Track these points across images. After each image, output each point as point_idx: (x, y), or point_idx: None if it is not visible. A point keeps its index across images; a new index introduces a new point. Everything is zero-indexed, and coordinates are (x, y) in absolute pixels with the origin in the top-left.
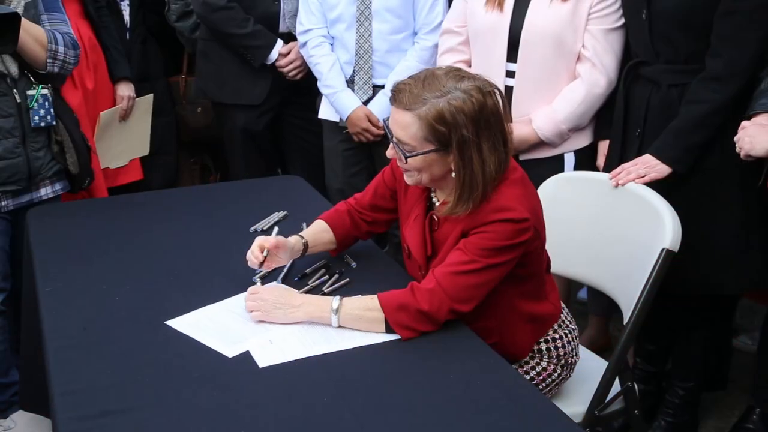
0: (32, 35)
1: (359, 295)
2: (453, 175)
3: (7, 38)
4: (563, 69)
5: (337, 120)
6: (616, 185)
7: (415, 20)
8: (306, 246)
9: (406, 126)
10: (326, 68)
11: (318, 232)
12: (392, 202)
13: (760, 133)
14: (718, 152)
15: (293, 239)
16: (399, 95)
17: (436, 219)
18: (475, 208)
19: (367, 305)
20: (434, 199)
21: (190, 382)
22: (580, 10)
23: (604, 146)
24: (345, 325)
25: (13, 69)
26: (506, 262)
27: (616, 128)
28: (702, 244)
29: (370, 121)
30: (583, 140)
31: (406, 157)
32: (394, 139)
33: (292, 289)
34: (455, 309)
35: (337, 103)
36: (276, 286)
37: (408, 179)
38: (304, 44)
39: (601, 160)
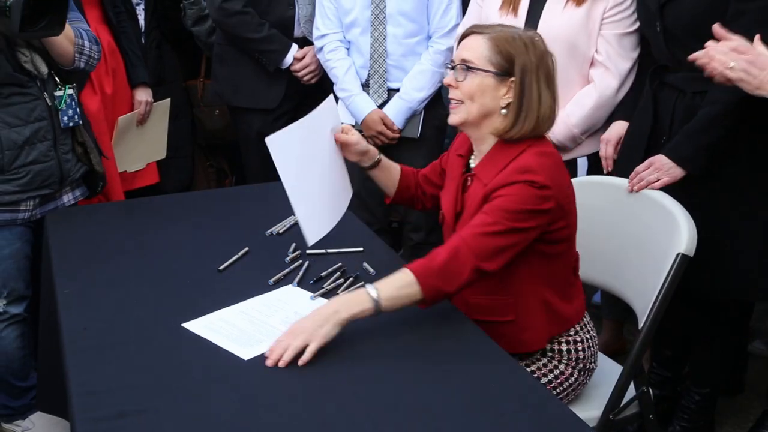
0: (66, 36)
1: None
2: (503, 108)
3: (55, 21)
4: (576, 74)
5: (353, 124)
6: (631, 191)
7: (429, 24)
8: (378, 162)
9: (475, 47)
10: (342, 72)
11: (392, 165)
12: (441, 179)
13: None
14: (739, 157)
15: (374, 149)
16: (474, 29)
17: (469, 181)
18: (511, 154)
19: (401, 282)
20: (471, 163)
21: (206, 384)
22: (594, 14)
23: (619, 127)
24: (388, 310)
25: (44, 69)
26: (528, 228)
27: (641, 134)
28: (726, 250)
29: (385, 124)
30: (596, 145)
31: (468, 69)
32: (456, 62)
33: (282, 290)
34: (480, 267)
35: (352, 107)
36: (274, 306)
37: (455, 115)
38: (321, 49)
39: (606, 150)
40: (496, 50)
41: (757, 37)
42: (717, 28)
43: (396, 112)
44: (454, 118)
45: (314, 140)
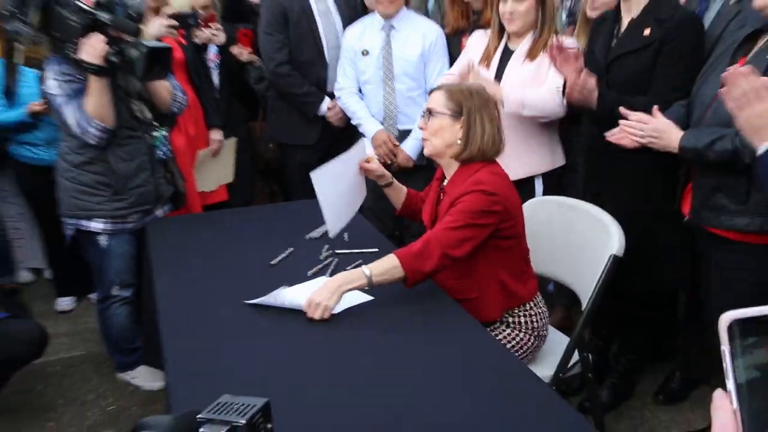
0: (162, 83)
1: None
2: (459, 141)
3: (162, 69)
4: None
5: (371, 154)
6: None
7: (426, 82)
8: (391, 183)
9: (436, 98)
10: (356, 108)
11: (401, 187)
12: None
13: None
14: (657, 195)
15: (388, 174)
16: (437, 87)
17: (441, 196)
18: (469, 173)
19: (388, 264)
20: (444, 183)
21: (263, 343)
22: (542, 66)
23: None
24: (378, 284)
25: (148, 115)
26: (483, 225)
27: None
28: (654, 259)
29: (389, 139)
30: (548, 165)
31: (431, 114)
32: (425, 110)
33: (318, 280)
34: (447, 253)
35: (363, 129)
36: (311, 289)
37: (426, 149)
38: (339, 97)
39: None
40: (450, 98)
41: (656, 108)
42: (622, 110)
43: (411, 148)
44: (425, 151)
45: (344, 168)
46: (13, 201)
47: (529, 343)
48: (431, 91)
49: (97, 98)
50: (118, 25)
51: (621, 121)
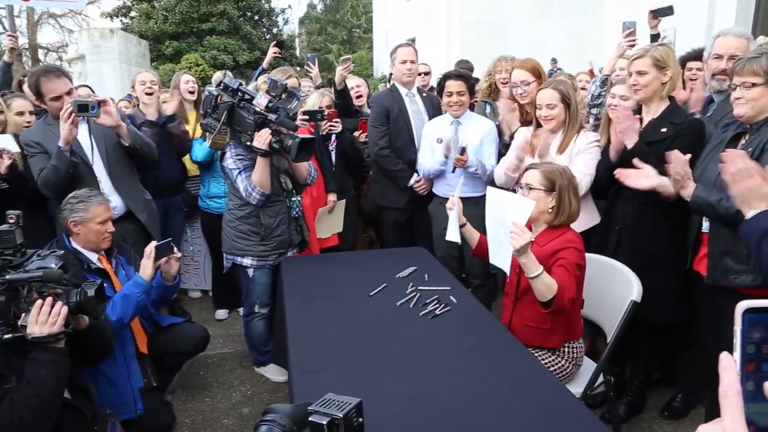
0: (303, 163)
1: (544, 274)
2: (550, 209)
3: (307, 153)
4: None
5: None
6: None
7: (484, 160)
8: (464, 225)
9: (534, 176)
10: (429, 161)
11: (474, 231)
12: None
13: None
14: (664, 248)
15: (463, 218)
16: (531, 166)
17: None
18: (557, 233)
19: (551, 284)
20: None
21: (363, 357)
22: (572, 154)
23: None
24: (533, 281)
25: (290, 185)
26: (579, 273)
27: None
28: (660, 295)
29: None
30: (587, 224)
31: (530, 188)
32: (524, 185)
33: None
34: (572, 296)
35: (433, 170)
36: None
37: None
38: (421, 164)
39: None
40: (544, 177)
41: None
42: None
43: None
44: None
45: (503, 212)
46: (196, 241)
47: (568, 370)
48: (526, 169)
49: (261, 172)
50: (281, 122)
51: (669, 156)
